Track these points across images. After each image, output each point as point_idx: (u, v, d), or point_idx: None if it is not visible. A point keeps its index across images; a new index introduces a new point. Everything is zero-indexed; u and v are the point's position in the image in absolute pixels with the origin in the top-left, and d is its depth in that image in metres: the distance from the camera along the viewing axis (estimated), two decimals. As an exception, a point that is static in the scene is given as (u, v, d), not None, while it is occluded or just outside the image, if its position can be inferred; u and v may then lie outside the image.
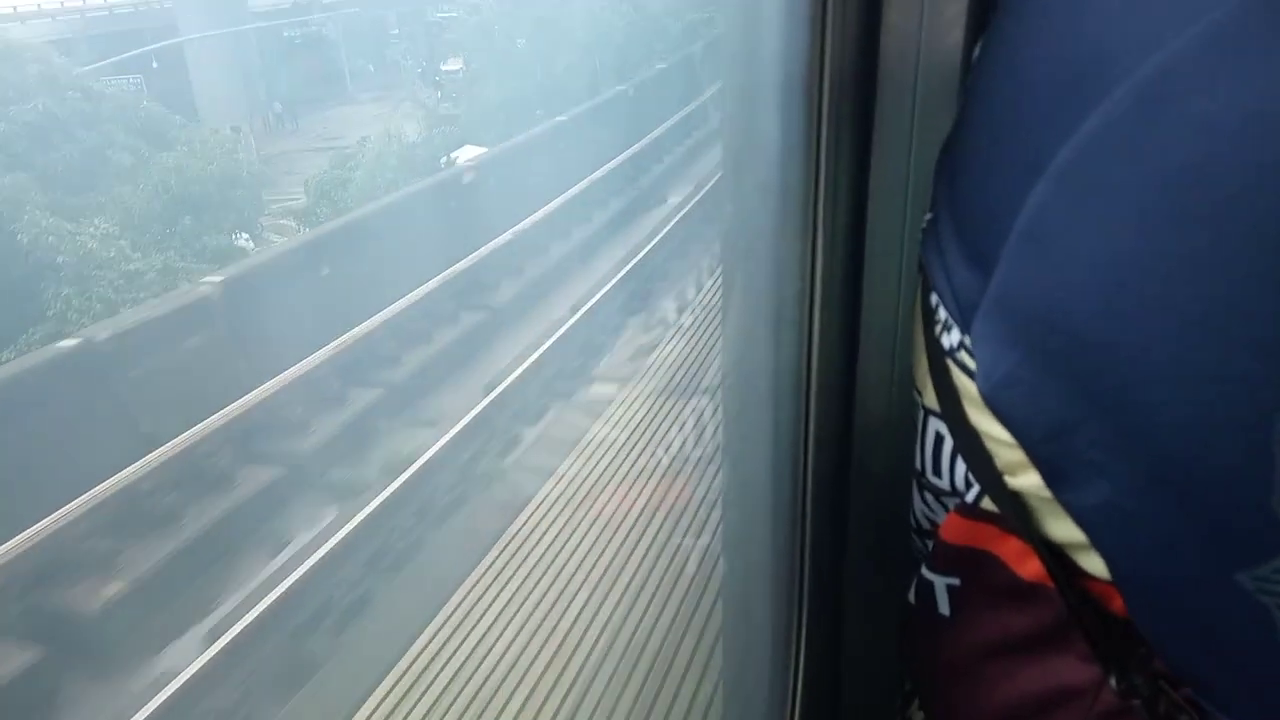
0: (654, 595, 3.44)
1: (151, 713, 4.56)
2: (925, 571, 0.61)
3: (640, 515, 4.03)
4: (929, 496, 0.60)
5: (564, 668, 3.17)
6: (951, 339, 0.51)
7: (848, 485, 0.82)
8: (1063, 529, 0.48)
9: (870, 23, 0.58)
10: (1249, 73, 0.31)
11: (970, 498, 0.54)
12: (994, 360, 0.43)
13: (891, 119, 0.62)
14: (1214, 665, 0.42)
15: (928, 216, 0.56)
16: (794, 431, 0.69)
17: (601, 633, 3.31)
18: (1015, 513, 0.50)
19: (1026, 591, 0.52)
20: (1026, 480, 0.48)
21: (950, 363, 0.52)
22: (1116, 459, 0.38)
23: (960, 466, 0.55)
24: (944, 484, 0.57)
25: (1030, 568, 0.51)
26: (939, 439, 0.56)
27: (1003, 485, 0.50)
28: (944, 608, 0.60)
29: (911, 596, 0.63)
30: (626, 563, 3.71)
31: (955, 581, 0.59)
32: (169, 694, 4.68)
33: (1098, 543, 0.45)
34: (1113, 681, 0.49)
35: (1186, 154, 0.33)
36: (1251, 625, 0.37)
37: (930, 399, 0.56)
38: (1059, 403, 0.40)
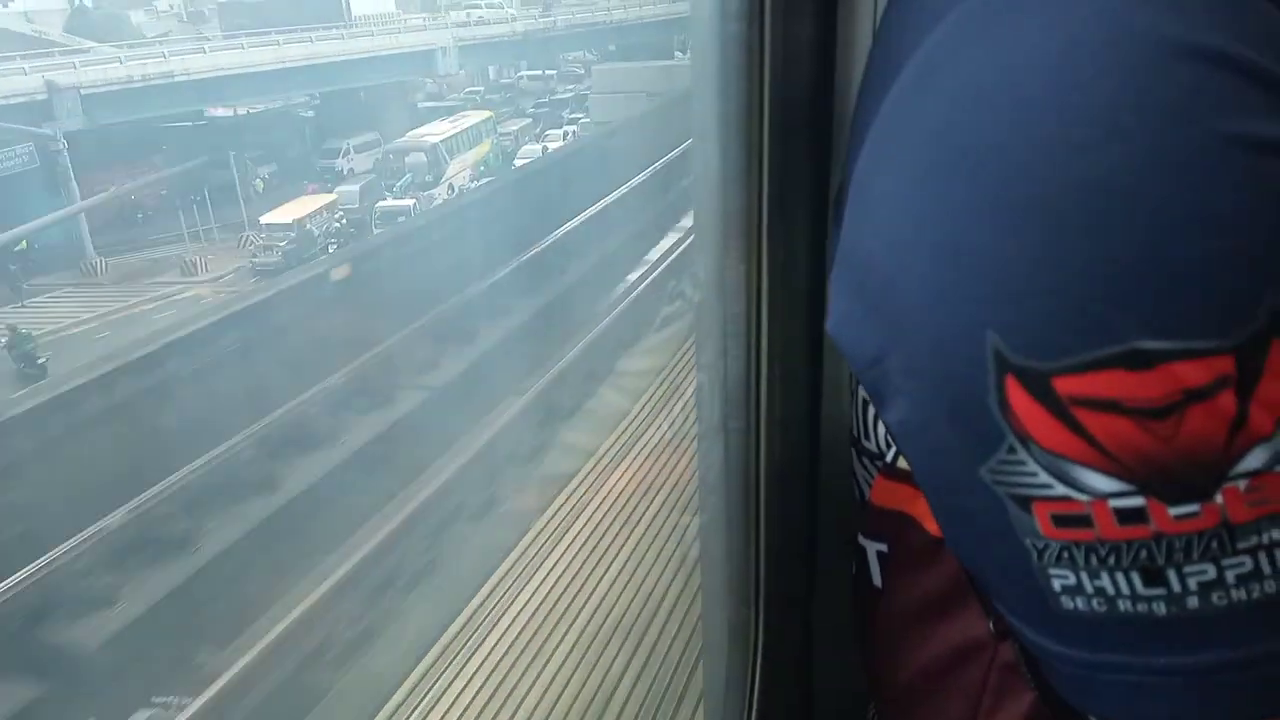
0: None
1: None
2: (860, 537, 0.63)
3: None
4: (865, 461, 0.62)
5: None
6: None
7: (817, 472, 0.85)
8: None
9: (824, 39, 0.60)
10: (986, 51, 0.40)
11: (889, 457, 0.57)
12: (834, 301, 0.50)
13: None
14: (985, 567, 0.46)
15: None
16: (747, 416, 0.71)
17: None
18: None
19: (935, 548, 0.54)
20: None
21: None
22: (908, 379, 0.44)
23: (882, 427, 0.58)
24: (872, 446, 0.60)
25: (937, 524, 0.54)
26: (865, 402, 0.59)
27: None
28: (876, 578, 0.62)
29: (853, 567, 0.66)
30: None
31: (883, 547, 0.61)
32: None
33: (906, 458, 0.52)
34: (991, 626, 0.52)
35: (942, 120, 0.41)
36: (994, 517, 0.42)
37: None
38: (874, 335, 0.46)
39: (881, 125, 0.45)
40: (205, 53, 22.49)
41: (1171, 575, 0.38)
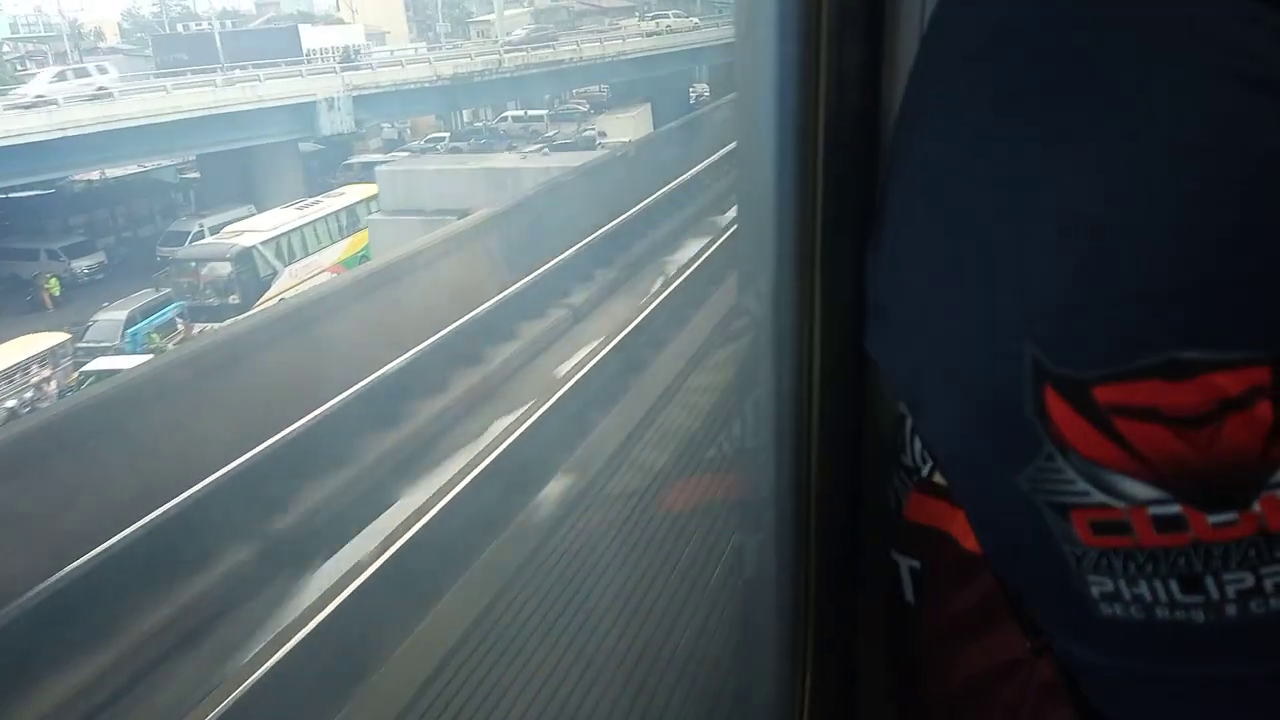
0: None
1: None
2: (892, 552, 0.64)
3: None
4: (902, 475, 0.63)
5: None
6: None
7: (861, 488, 0.85)
8: None
9: (871, 61, 0.61)
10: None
11: (925, 472, 0.58)
12: (872, 318, 0.53)
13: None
14: (1023, 576, 0.47)
15: None
16: (798, 431, 0.72)
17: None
18: None
19: (970, 566, 0.54)
20: None
21: None
22: (946, 390, 0.45)
23: (919, 442, 0.58)
24: (909, 460, 0.61)
25: (974, 540, 0.54)
26: (903, 416, 0.60)
27: None
28: (909, 593, 0.63)
29: (886, 585, 0.66)
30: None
31: (916, 564, 0.62)
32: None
33: (942, 469, 0.53)
34: (1027, 644, 0.52)
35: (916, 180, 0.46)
36: (1032, 525, 0.42)
37: None
38: (912, 348, 0.47)
39: (910, 151, 0.48)
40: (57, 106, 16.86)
41: (1210, 583, 0.38)
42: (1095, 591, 0.41)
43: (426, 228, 13.15)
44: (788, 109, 0.56)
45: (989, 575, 0.54)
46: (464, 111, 28.66)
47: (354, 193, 18.52)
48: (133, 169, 20.52)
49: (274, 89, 20.54)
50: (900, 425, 0.61)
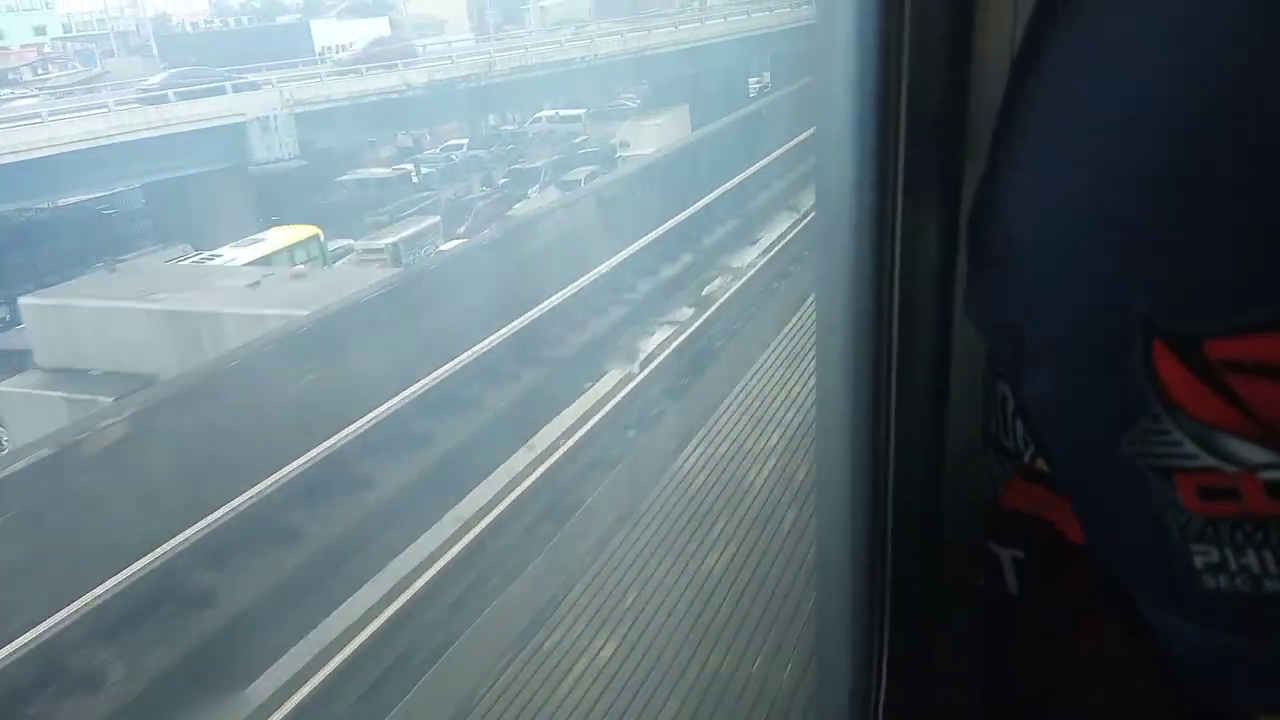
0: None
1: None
2: (991, 544, 0.61)
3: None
4: (1002, 459, 0.59)
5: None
6: None
7: (941, 466, 0.83)
8: None
9: (957, 53, 0.59)
10: (1148, 15, 0.39)
11: (1027, 458, 0.55)
12: (971, 282, 0.50)
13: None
14: (1122, 548, 0.44)
15: None
16: (874, 405, 0.70)
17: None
18: None
19: (1074, 557, 0.52)
20: None
21: None
22: (1048, 350, 0.43)
23: (1020, 424, 0.55)
24: (1010, 445, 0.57)
25: (1079, 531, 0.51)
26: (1004, 397, 0.57)
27: None
28: (1011, 585, 0.60)
29: (981, 577, 0.63)
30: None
31: (1019, 554, 0.59)
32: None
33: (1038, 437, 0.51)
34: (1126, 643, 0.50)
35: (1096, 85, 0.41)
36: (1135, 491, 0.40)
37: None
38: (1013, 307, 0.45)
39: (1021, 99, 0.45)
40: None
41: None
42: (1199, 562, 0.39)
43: (71, 409, 8.34)
44: (869, 87, 0.54)
45: (1092, 569, 0.52)
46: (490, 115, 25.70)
47: (274, 240, 14.80)
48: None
49: (196, 110, 16.75)
50: (1001, 407, 0.58)
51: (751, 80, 27.06)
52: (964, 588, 0.91)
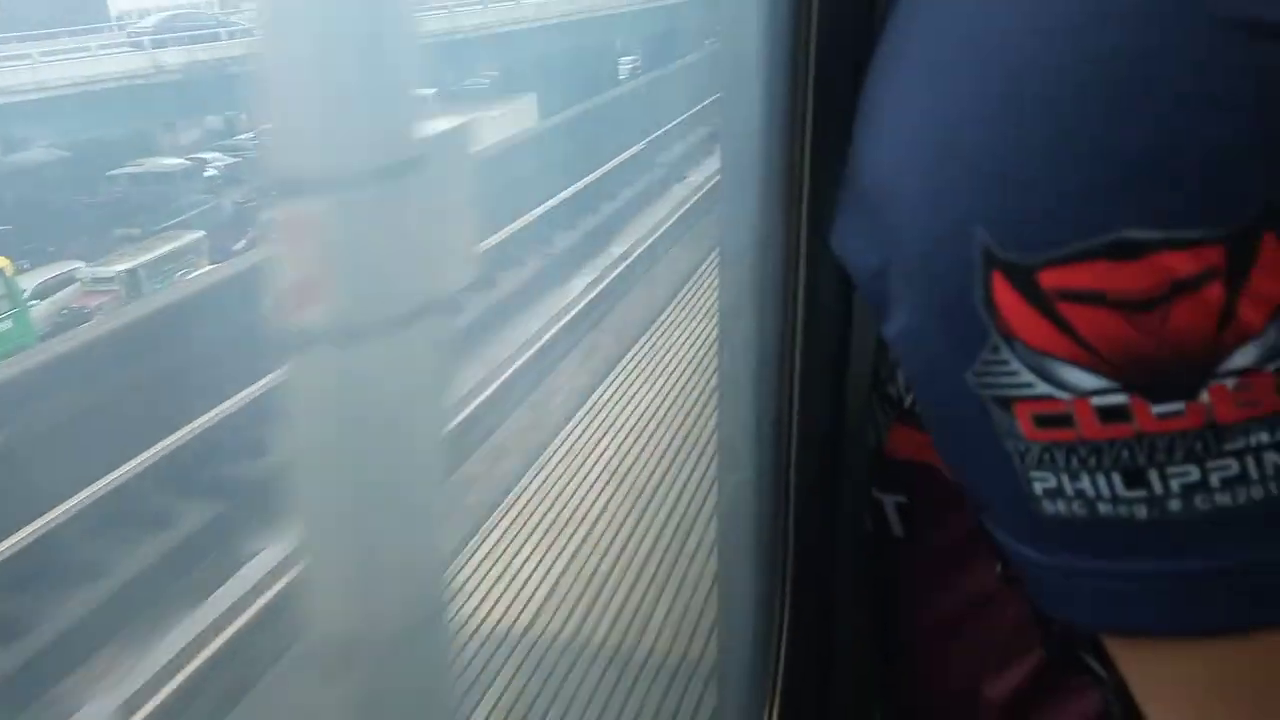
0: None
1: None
2: (875, 491, 0.63)
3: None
4: (885, 408, 0.62)
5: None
6: None
7: (843, 420, 0.85)
8: None
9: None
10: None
11: (908, 403, 0.57)
12: (839, 218, 0.51)
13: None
14: (975, 480, 0.46)
15: None
16: (779, 362, 0.71)
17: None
18: None
19: (954, 498, 0.53)
20: None
21: None
22: (906, 286, 0.44)
23: (902, 374, 0.57)
24: (893, 391, 0.59)
25: None
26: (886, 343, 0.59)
27: None
28: (897, 528, 0.62)
29: (868, 523, 0.65)
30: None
31: (902, 499, 0.61)
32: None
33: (903, 368, 0.53)
34: (999, 570, 0.52)
35: (947, 16, 0.42)
36: (980, 423, 0.42)
37: None
38: (876, 246, 0.46)
39: (888, 36, 0.46)
40: None
41: (1153, 477, 0.38)
42: (1039, 489, 0.40)
43: None
44: (778, 36, 0.54)
45: (971, 509, 0.53)
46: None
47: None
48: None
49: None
50: (886, 355, 0.59)
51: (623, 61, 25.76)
52: (862, 542, 0.94)
